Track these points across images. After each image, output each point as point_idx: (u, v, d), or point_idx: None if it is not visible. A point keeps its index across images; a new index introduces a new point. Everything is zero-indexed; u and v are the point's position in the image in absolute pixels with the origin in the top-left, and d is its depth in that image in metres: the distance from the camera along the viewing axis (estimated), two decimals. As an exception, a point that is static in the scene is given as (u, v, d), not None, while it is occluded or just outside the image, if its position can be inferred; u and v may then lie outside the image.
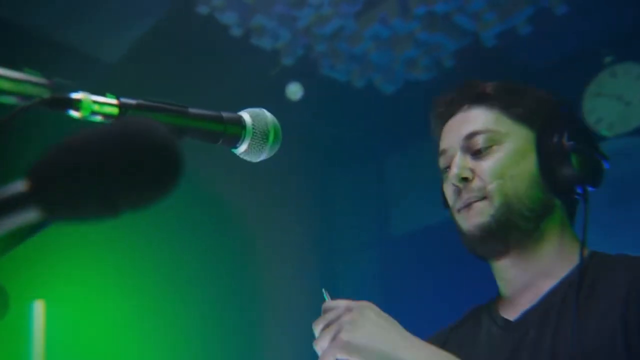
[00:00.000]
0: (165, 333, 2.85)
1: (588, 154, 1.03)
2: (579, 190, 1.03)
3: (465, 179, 1.03)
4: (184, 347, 2.91)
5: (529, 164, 1.04)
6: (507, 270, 1.07)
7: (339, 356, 0.89)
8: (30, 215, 0.36)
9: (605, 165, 1.06)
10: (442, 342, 1.11)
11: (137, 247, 2.81)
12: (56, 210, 0.37)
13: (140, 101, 0.57)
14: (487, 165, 1.03)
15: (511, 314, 1.05)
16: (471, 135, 1.05)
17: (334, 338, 0.89)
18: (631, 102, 2.85)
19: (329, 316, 0.93)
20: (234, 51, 2.72)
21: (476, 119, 1.07)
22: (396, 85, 2.96)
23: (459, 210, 1.06)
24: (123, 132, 0.36)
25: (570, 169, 1.00)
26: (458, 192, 1.04)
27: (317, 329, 0.95)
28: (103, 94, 0.56)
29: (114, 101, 0.56)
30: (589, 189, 1.03)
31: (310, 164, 3.47)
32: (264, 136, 0.68)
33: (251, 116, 0.69)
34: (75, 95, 0.53)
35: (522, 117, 1.06)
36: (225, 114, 0.67)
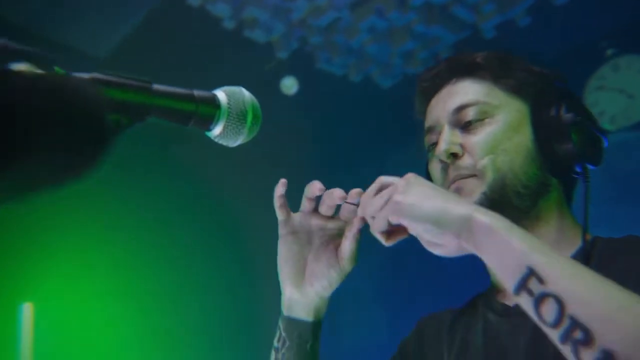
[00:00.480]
0: (156, 335, 2.80)
1: (588, 128, 0.95)
2: (577, 169, 0.95)
3: (454, 155, 0.95)
4: (176, 349, 2.85)
5: (524, 137, 0.96)
6: None
7: (392, 219, 0.81)
8: None
9: (605, 142, 0.98)
10: (442, 325, 1.05)
11: (128, 249, 2.76)
12: None
13: (95, 75, 0.50)
14: (478, 139, 0.95)
15: (509, 298, 0.97)
16: (460, 108, 0.97)
17: (386, 202, 0.82)
18: (634, 95, 2.78)
19: (382, 181, 0.86)
20: (227, 45, 2.65)
21: (465, 91, 0.99)
22: (394, 79, 2.89)
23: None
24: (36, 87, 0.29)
25: (569, 144, 0.92)
26: (446, 169, 0.96)
27: (365, 197, 0.87)
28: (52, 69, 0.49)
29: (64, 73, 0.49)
30: (589, 167, 0.95)
31: (306, 161, 3.40)
32: (241, 117, 0.61)
33: (227, 94, 0.61)
34: (16, 67, 0.46)
35: (515, 89, 0.98)
36: (196, 92, 0.59)
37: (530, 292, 0.67)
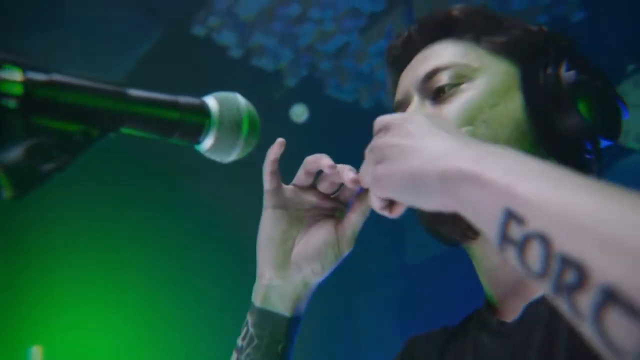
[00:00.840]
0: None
1: (597, 90, 0.72)
2: (587, 146, 0.72)
3: None
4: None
5: (512, 106, 0.74)
6: (487, 257, 0.76)
7: (379, 195, 0.65)
8: None
9: (624, 113, 0.75)
10: (431, 348, 0.84)
11: (137, 288, 2.70)
12: None
13: (55, 76, 0.41)
14: (451, 108, 0.74)
15: (507, 314, 0.75)
16: (432, 74, 0.76)
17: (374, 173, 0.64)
18: (658, 111, 2.68)
19: (377, 126, 0.66)
20: (235, 74, 2.60)
21: (440, 54, 0.79)
22: (406, 104, 2.82)
23: None
24: None
25: (573, 113, 0.69)
26: None
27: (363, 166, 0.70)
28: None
29: (18, 76, 0.40)
30: (603, 142, 0.73)
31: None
32: (235, 127, 0.51)
33: (218, 101, 0.52)
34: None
35: (503, 48, 0.78)
36: (182, 98, 0.50)
37: (513, 242, 0.45)
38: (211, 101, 0.52)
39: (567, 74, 0.71)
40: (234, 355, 0.78)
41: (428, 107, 0.76)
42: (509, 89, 0.75)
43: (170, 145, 0.54)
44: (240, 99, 0.53)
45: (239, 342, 0.78)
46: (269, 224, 0.78)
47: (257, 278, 0.78)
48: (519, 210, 0.44)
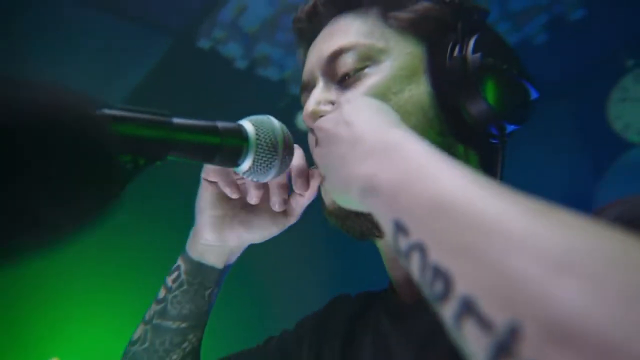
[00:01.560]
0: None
1: (505, 72, 0.68)
2: (492, 131, 0.67)
3: None
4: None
5: (417, 92, 0.68)
6: (388, 247, 0.74)
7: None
8: None
9: (533, 93, 0.71)
10: (344, 317, 0.81)
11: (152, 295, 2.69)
12: None
13: (104, 110, 0.43)
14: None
15: (411, 296, 0.71)
16: (336, 55, 0.71)
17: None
18: (660, 105, 2.71)
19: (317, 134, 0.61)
20: (241, 84, 2.63)
21: (344, 32, 0.73)
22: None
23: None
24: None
25: (478, 99, 0.65)
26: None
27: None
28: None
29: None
30: (508, 127, 0.68)
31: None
32: (272, 148, 0.55)
33: (254, 124, 0.55)
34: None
35: (410, 25, 0.72)
36: (220, 123, 0.53)
37: (401, 252, 0.43)
38: (247, 125, 0.55)
39: (472, 57, 0.66)
40: (161, 292, 0.80)
41: (333, 91, 0.72)
42: (414, 73, 0.70)
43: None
44: (274, 122, 0.56)
45: (169, 282, 0.80)
46: (209, 191, 0.74)
47: (193, 231, 0.77)
48: (404, 219, 0.42)
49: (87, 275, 2.59)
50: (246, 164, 0.55)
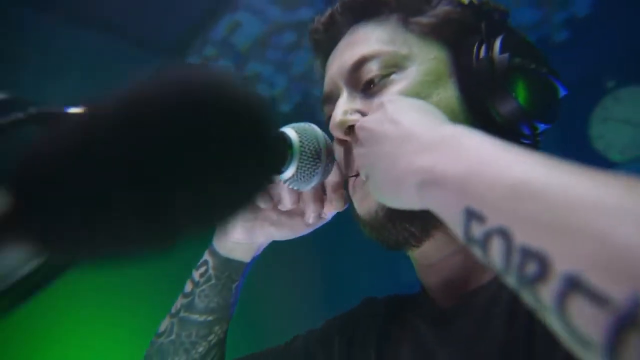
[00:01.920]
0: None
1: (533, 71, 0.67)
2: (524, 130, 0.66)
3: (353, 129, 0.66)
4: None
5: (445, 95, 0.67)
6: (429, 257, 0.72)
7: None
8: (21, 254, 0.21)
9: (562, 91, 0.70)
10: (374, 322, 0.79)
11: (150, 306, 2.66)
12: (66, 245, 0.22)
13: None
14: None
15: (446, 301, 0.70)
16: (359, 64, 0.70)
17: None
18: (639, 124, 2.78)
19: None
20: (230, 102, 2.63)
21: (365, 41, 0.72)
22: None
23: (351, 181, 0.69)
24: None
25: (508, 97, 0.64)
26: (349, 152, 0.67)
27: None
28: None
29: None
30: (540, 126, 0.67)
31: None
32: (316, 155, 0.54)
33: (297, 132, 0.55)
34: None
35: (432, 30, 0.71)
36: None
37: (476, 241, 0.42)
38: (290, 132, 0.55)
39: (499, 57, 0.66)
40: (189, 286, 0.82)
41: (358, 100, 0.70)
42: (440, 77, 0.69)
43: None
44: (316, 129, 0.56)
45: (196, 276, 0.82)
46: None
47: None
48: (478, 207, 0.41)
49: (87, 290, 2.54)
50: (289, 172, 0.54)
